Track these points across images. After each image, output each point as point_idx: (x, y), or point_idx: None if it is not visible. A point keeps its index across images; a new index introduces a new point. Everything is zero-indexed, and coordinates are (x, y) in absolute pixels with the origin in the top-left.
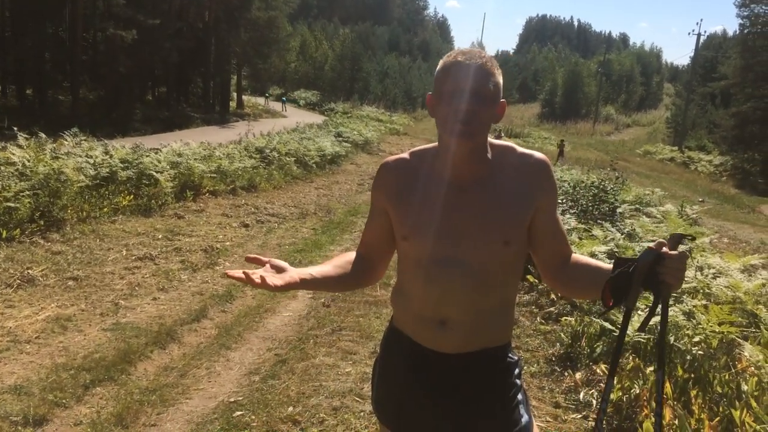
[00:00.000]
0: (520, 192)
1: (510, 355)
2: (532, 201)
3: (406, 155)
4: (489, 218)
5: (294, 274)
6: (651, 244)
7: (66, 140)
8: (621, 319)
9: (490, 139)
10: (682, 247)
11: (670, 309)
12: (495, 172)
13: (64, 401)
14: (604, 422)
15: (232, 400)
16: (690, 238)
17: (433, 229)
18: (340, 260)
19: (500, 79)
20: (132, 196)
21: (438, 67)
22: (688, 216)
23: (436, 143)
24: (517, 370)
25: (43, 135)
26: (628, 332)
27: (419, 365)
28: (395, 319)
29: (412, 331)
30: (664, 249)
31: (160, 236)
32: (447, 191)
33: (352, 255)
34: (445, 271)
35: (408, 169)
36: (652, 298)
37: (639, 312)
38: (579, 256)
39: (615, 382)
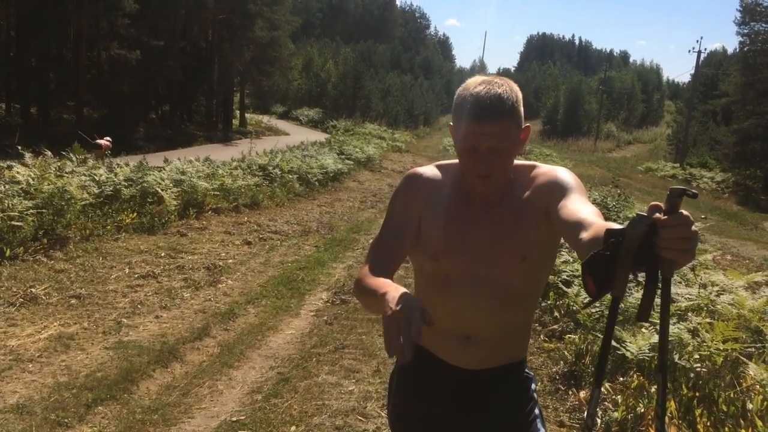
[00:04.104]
0: (534, 209)
1: (526, 370)
2: (542, 211)
3: (434, 168)
4: (509, 236)
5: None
6: (642, 210)
7: (71, 160)
8: (632, 331)
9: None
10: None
11: (675, 323)
12: (515, 192)
13: (66, 420)
14: None
15: (234, 419)
16: (692, 194)
17: (462, 250)
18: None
19: (520, 107)
20: (135, 214)
21: (455, 98)
22: None
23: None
24: (533, 385)
25: (48, 153)
26: (632, 350)
27: (440, 381)
28: None
29: (434, 347)
30: (658, 214)
31: (162, 254)
32: (472, 211)
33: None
34: (473, 290)
35: (437, 184)
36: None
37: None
38: (600, 222)
39: (620, 401)
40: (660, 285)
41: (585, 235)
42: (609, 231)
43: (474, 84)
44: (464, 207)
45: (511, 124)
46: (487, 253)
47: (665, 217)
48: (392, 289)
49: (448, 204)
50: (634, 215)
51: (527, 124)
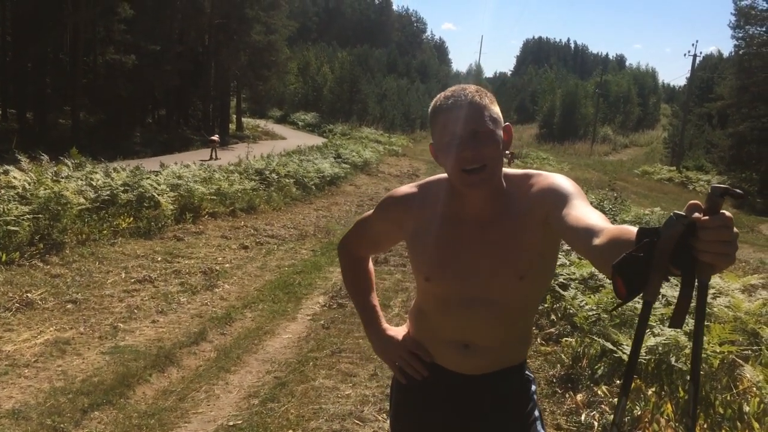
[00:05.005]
0: (531, 218)
1: (527, 372)
2: (540, 220)
3: (414, 189)
4: (504, 254)
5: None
6: (680, 210)
7: (67, 164)
8: (629, 334)
9: (507, 170)
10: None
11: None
12: (510, 205)
13: (62, 426)
14: None
15: (231, 423)
16: (737, 193)
17: (455, 270)
18: (369, 279)
19: (496, 107)
20: (132, 219)
21: (429, 113)
22: None
23: (445, 174)
24: (533, 387)
25: (45, 157)
26: (628, 353)
27: (440, 386)
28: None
29: (433, 353)
30: (697, 214)
31: (159, 258)
32: (464, 229)
33: (365, 266)
34: (468, 309)
35: (420, 205)
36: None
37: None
38: (611, 226)
39: (618, 403)
40: (696, 290)
41: (599, 240)
42: (642, 230)
43: (440, 95)
44: (455, 227)
45: (487, 108)
46: (481, 275)
47: (706, 217)
48: (371, 331)
49: (437, 226)
50: (671, 215)
51: (507, 123)
